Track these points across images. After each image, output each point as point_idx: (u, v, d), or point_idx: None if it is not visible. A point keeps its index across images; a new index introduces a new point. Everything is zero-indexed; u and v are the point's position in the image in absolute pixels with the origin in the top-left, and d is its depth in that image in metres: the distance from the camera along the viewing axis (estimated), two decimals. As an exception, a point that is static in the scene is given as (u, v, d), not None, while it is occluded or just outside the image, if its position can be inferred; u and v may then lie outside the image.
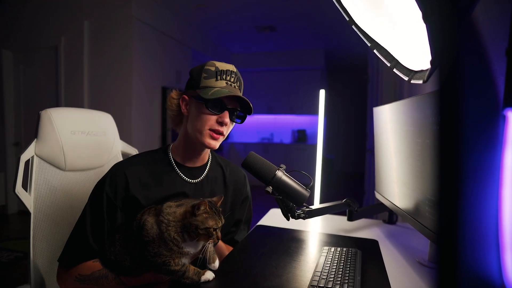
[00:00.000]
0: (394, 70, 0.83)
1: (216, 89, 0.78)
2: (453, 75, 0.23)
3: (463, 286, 0.23)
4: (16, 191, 0.91)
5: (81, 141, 1.08)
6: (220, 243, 0.90)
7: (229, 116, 0.82)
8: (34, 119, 1.00)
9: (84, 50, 3.37)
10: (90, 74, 3.41)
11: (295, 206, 0.90)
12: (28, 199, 0.95)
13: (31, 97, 3.67)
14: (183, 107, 0.85)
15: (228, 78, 0.81)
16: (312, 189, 0.90)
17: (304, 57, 5.98)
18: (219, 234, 0.70)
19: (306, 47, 5.82)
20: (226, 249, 0.92)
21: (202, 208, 0.67)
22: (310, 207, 0.96)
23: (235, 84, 0.83)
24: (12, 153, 3.76)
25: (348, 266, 0.74)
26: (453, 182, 0.23)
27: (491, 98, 0.30)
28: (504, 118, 0.36)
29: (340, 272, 0.71)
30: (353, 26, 0.88)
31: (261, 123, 6.88)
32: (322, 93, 1.44)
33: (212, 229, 0.68)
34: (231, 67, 0.83)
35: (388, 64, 0.85)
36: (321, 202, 1.25)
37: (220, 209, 0.73)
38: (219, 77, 0.80)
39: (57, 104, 3.46)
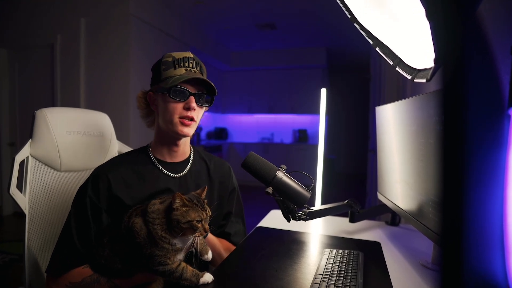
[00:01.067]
0: (397, 68, 0.83)
1: (176, 77, 0.81)
2: (457, 74, 0.23)
3: (467, 289, 0.23)
4: (10, 191, 0.91)
5: (77, 141, 1.08)
6: (212, 237, 0.90)
7: (195, 101, 0.83)
8: (29, 118, 1.01)
9: (80, 48, 3.37)
10: (86, 73, 3.41)
11: (296, 207, 0.90)
12: (23, 200, 0.95)
13: (26, 96, 3.67)
14: (151, 104, 0.88)
15: (186, 64, 0.84)
16: (313, 190, 0.91)
17: (305, 55, 5.98)
18: (206, 226, 0.69)
19: (307, 45, 5.82)
20: (218, 242, 0.92)
21: (177, 201, 0.67)
22: (311, 208, 0.96)
23: (195, 69, 0.85)
24: (7, 154, 3.75)
25: (350, 268, 0.74)
26: (457, 183, 0.23)
27: (496, 97, 0.30)
28: (508, 118, 0.36)
29: (342, 275, 0.71)
30: (355, 24, 0.88)
31: (261, 122, 6.88)
32: (323, 92, 1.44)
33: (195, 222, 0.67)
34: (188, 54, 0.85)
35: (391, 63, 0.85)
36: (322, 203, 1.25)
37: (205, 200, 0.72)
38: (177, 66, 0.83)
39: (53, 103, 3.46)
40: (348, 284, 0.67)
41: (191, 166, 0.93)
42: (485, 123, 0.26)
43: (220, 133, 6.65)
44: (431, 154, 0.71)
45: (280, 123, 6.79)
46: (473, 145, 0.23)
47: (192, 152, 0.97)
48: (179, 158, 0.92)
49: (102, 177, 0.82)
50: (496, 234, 0.28)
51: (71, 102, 3.39)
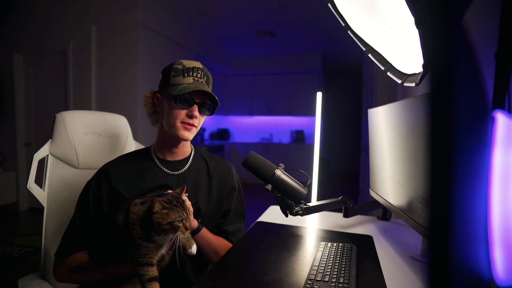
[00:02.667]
0: (388, 73, 0.83)
1: (183, 85, 0.81)
2: (444, 78, 0.23)
3: (454, 280, 0.23)
4: (28, 186, 0.93)
5: (93, 142, 1.10)
6: (209, 235, 0.88)
7: (198, 109, 0.84)
8: (44, 120, 1.02)
9: (91, 54, 3.37)
10: (97, 77, 3.41)
11: (293, 203, 0.90)
12: (41, 194, 0.98)
13: (41, 99, 3.67)
14: (157, 105, 0.88)
15: (194, 74, 0.84)
16: (309, 187, 0.90)
17: (302, 61, 5.98)
18: (187, 224, 0.68)
19: (304, 51, 5.81)
20: (215, 240, 0.89)
21: (156, 205, 0.64)
22: (307, 204, 0.96)
23: (202, 79, 0.85)
24: (23, 153, 3.75)
25: (344, 260, 0.74)
26: (444, 180, 0.23)
27: (481, 100, 0.30)
28: (492, 119, 0.36)
29: (336, 266, 0.71)
30: (349, 32, 0.88)
31: (261, 123, 6.88)
32: (319, 95, 1.44)
33: (176, 222, 0.65)
34: (197, 64, 0.85)
35: (382, 68, 0.85)
36: (318, 199, 1.25)
37: (185, 199, 0.71)
38: (186, 74, 0.83)
39: (66, 106, 3.46)
40: (342, 275, 0.67)
41: (190, 164, 0.93)
42: (471, 124, 0.26)
43: (222, 133, 6.65)
44: (420, 153, 0.71)
45: (278, 124, 6.79)
46: (459, 145, 0.23)
47: (193, 152, 0.96)
48: (179, 156, 0.92)
49: (105, 172, 0.84)
50: (480, 227, 0.28)
51: (83, 104, 3.39)
